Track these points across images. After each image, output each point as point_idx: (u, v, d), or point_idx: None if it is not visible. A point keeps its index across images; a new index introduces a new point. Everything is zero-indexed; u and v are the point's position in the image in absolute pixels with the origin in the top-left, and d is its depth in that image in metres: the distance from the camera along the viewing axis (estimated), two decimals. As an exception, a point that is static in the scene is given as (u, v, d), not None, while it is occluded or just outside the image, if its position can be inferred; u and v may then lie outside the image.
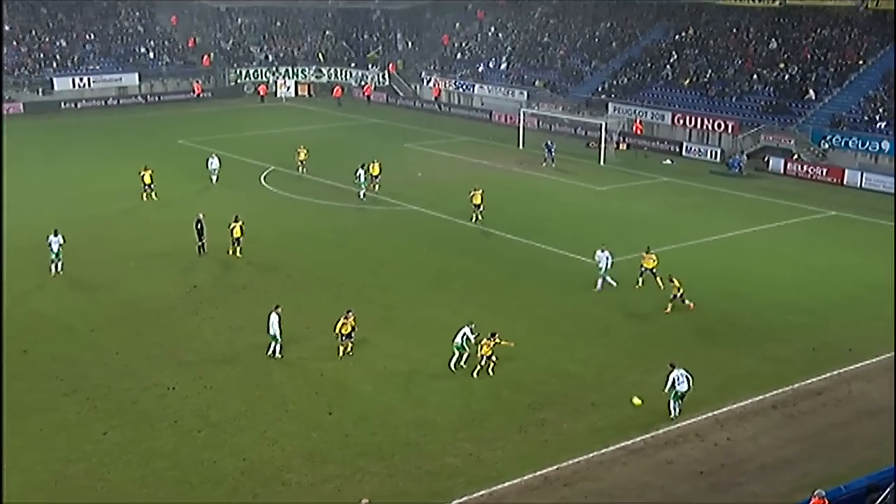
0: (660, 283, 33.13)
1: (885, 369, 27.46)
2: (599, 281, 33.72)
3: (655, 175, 54.44)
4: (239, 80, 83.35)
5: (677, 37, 71.18)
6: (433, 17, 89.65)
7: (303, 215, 44.17)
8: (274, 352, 27.58)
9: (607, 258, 33.76)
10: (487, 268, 36.58)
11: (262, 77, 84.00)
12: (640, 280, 34.03)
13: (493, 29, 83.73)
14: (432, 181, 51.08)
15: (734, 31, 68.49)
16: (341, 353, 27.66)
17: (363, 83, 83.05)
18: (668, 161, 58.12)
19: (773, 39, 65.46)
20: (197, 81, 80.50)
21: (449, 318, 30.86)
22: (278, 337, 27.44)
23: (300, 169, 51.70)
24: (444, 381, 26.36)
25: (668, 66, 67.94)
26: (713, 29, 69.59)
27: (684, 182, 52.72)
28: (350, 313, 27.88)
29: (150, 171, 45.35)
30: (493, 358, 26.70)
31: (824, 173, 53.27)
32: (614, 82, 68.92)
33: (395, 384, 26.22)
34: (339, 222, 42.39)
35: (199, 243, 36.84)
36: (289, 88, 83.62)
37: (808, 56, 62.82)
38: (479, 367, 26.59)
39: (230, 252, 36.60)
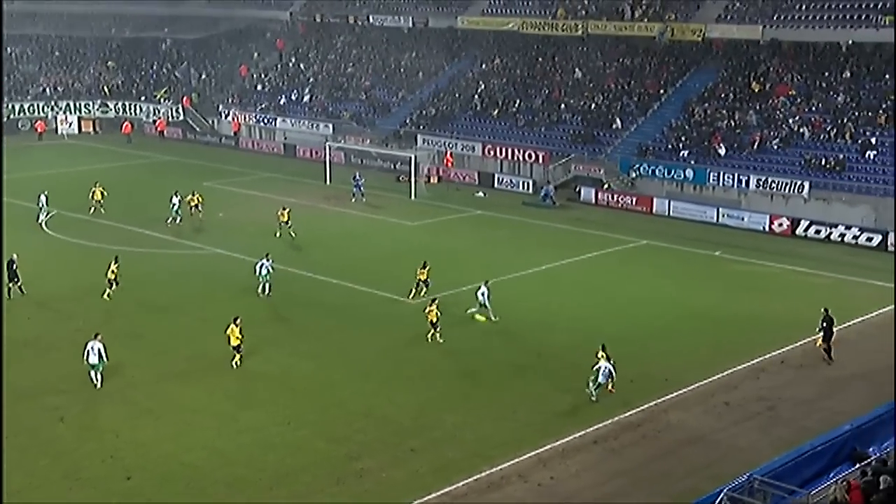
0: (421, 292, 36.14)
1: (700, 397, 28.99)
2: (474, 309, 34.93)
3: (468, 208, 55.69)
4: (12, 116, 79.24)
5: (484, 66, 73.36)
6: (229, 47, 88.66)
7: (93, 263, 42.32)
8: (96, 382, 28.39)
9: (485, 294, 34.80)
10: (298, 311, 36.25)
11: (39, 112, 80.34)
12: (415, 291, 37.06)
13: (293, 59, 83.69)
14: (235, 221, 50.25)
15: (539, 59, 71.31)
16: (235, 365, 29.80)
17: (155, 118, 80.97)
18: (481, 193, 59.62)
19: (578, 69, 68.54)
20: (-38, 118, 76.08)
21: (257, 367, 30.39)
22: (101, 364, 28.31)
23: (95, 210, 50.49)
24: (253, 435, 25.80)
25: (475, 97, 69.87)
26: (519, 58, 72.21)
27: (497, 214, 54.19)
28: (238, 320, 29.99)
29: None
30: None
31: (634, 202, 55.98)
32: (422, 113, 70.21)
33: (200, 441, 25.43)
34: (137, 269, 40.94)
35: (10, 286, 36.54)
36: (71, 125, 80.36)
37: (613, 85, 66.15)
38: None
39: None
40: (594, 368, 28.11)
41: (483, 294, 35.06)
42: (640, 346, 32.89)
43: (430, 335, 32.73)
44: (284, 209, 47.26)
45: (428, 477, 23.72)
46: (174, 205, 48.69)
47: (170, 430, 25.94)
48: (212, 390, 28.64)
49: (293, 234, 46.08)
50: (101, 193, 51.24)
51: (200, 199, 50.22)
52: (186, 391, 28.49)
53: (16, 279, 36.70)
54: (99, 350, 28.46)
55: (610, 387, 28.50)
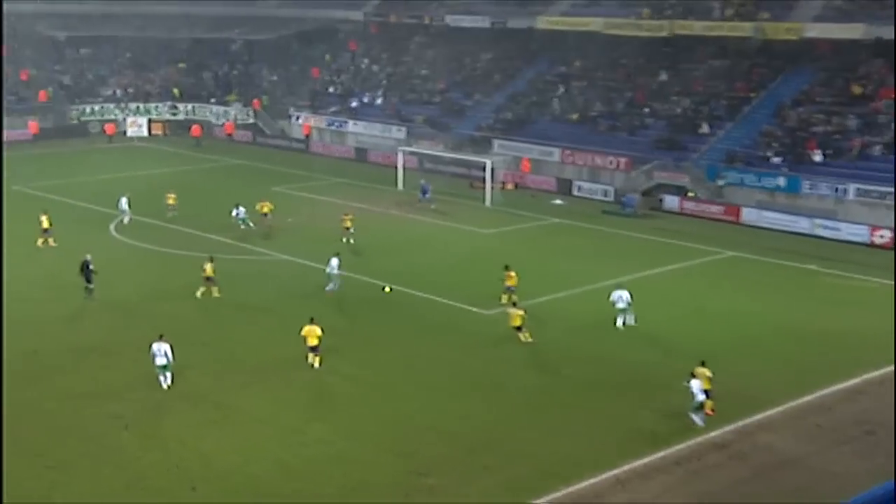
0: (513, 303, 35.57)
1: (791, 418, 28.41)
2: (619, 319, 35.70)
3: (545, 216, 55.55)
4: (82, 118, 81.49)
5: (563, 68, 73.22)
6: (301, 49, 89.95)
7: (159, 268, 43.27)
8: (164, 383, 29.36)
9: (623, 297, 35.72)
10: (364, 320, 36.51)
11: (109, 114, 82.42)
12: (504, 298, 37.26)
13: (366, 60, 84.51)
14: (304, 227, 50.86)
15: (622, 62, 70.86)
16: (314, 365, 30.79)
17: (224, 121, 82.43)
18: (558, 201, 59.42)
19: (664, 71, 68.00)
20: (33, 119, 78.29)
21: (325, 379, 30.71)
22: (169, 365, 29.28)
23: (169, 213, 51.72)
24: (320, 448, 26.04)
25: (555, 100, 69.71)
26: (601, 60, 71.86)
27: (575, 223, 53.95)
28: (314, 320, 31.10)
29: (47, 215, 45.92)
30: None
31: (721, 211, 55.25)
32: (499, 117, 70.29)
33: (265, 453, 25.71)
34: (199, 276, 41.67)
35: (87, 287, 37.52)
36: (140, 127, 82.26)
37: (701, 88, 65.46)
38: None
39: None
40: (690, 391, 27.38)
41: (623, 297, 35.58)
42: (725, 363, 32.28)
43: (521, 335, 33.58)
44: (347, 215, 47.78)
45: (500, 495, 23.64)
46: (237, 214, 48.92)
47: (235, 441, 26.31)
48: (278, 400, 28.99)
49: (351, 241, 46.39)
50: (174, 198, 52.49)
51: (271, 207, 50.47)
52: (253, 400, 28.88)
53: (91, 281, 37.84)
54: (165, 351, 29.34)
55: (709, 409, 28.12)
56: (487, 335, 34.84)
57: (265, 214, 49.87)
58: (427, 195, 55.75)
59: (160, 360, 29.34)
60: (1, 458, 24.56)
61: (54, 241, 45.38)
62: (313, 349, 31.25)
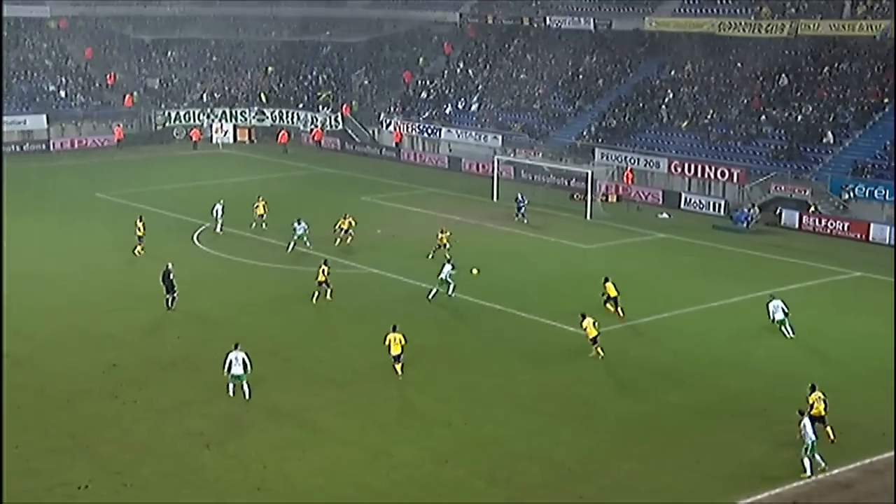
0: (620, 312, 38.36)
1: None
2: (784, 328, 37.19)
3: (650, 231, 55.13)
4: (168, 124, 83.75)
5: (673, 73, 72.62)
6: (393, 52, 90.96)
7: (242, 280, 44.14)
8: (243, 393, 30.39)
9: (781, 308, 37.26)
10: (456, 339, 36.70)
11: (195, 120, 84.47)
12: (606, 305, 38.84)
13: (461, 64, 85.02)
14: (393, 239, 51.34)
15: (739, 65, 69.97)
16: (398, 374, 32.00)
17: (312, 127, 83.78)
18: (665, 215, 58.93)
19: (784, 75, 66.95)
20: (118, 125, 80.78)
21: (413, 398, 30.99)
22: (245, 375, 30.21)
23: (258, 224, 52.65)
24: (407, 472, 26.26)
25: (663, 107, 69.20)
26: (714, 63, 71.10)
27: (683, 239, 53.42)
28: (396, 328, 32.39)
29: (143, 222, 47.78)
30: None
31: (846, 228, 54.20)
32: (601, 125, 70.03)
33: (350, 476, 26.04)
34: (285, 289, 42.40)
35: (168, 297, 38.84)
36: (226, 133, 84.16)
37: (825, 94, 64.25)
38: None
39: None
40: (801, 432, 26.46)
41: (782, 308, 37.19)
42: (850, 394, 31.62)
43: (594, 351, 34.28)
44: (444, 231, 47.69)
45: (597, 529, 23.56)
46: (297, 231, 47.89)
47: (318, 463, 26.70)
48: (363, 421, 29.32)
49: (448, 258, 45.72)
50: (264, 207, 53.18)
51: (353, 223, 50.14)
52: (337, 420, 29.27)
53: (172, 290, 38.89)
54: (243, 360, 30.31)
55: (829, 436, 27.61)
56: (586, 357, 34.70)
57: (346, 230, 49.70)
58: (522, 210, 55.50)
59: (236, 370, 30.22)
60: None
61: (143, 249, 46.90)
62: (396, 358, 32.17)
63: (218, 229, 51.51)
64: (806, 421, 26.44)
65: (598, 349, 34.28)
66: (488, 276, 44.35)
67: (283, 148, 79.90)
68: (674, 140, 66.31)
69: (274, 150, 79.62)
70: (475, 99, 79.39)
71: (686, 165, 63.03)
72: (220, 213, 51.81)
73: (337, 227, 50.00)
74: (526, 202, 56.23)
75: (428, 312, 39.49)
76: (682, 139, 66.12)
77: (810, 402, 27.97)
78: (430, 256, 46.38)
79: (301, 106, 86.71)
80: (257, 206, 53.32)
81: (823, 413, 27.93)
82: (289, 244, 48.15)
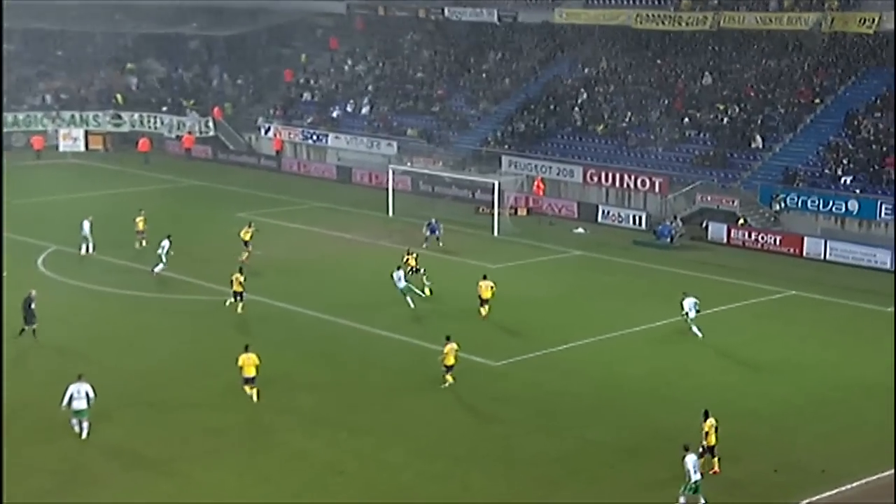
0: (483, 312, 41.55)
1: (870, 496, 28.11)
2: (695, 327, 40.32)
3: (564, 248, 55.72)
4: (5, 129, 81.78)
5: (587, 71, 73.62)
6: (271, 47, 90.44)
7: (98, 310, 43.24)
8: (81, 430, 30.26)
9: (694, 304, 40.31)
10: (350, 375, 36.45)
11: (37, 125, 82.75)
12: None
13: (350, 61, 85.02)
14: (275, 262, 50.85)
15: (658, 62, 71.25)
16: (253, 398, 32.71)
17: (179, 133, 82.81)
18: (581, 229, 59.63)
19: (708, 73, 68.32)
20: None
21: (299, 444, 30.66)
22: (88, 410, 30.15)
23: (139, 243, 52.24)
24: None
25: (576, 109, 70.07)
26: (632, 61, 72.28)
27: (602, 256, 54.13)
28: (248, 348, 33.23)
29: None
30: None
31: (778, 242, 55.40)
32: (508, 130, 70.63)
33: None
34: (152, 319, 41.77)
35: (27, 328, 38.63)
36: (76, 140, 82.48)
37: (752, 93, 65.76)
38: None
39: None
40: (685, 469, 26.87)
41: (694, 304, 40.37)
42: (785, 427, 32.33)
43: (444, 378, 34.84)
44: (410, 253, 47.25)
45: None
46: (163, 248, 47.78)
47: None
48: (242, 471, 28.92)
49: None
50: (144, 223, 52.79)
51: (253, 232, 50.99)
52: (211, 473, 28.81)
53: (33, 321, 38.53)
54: (87, 392, 30.08)
55: (715, 468, 28.20)
56: (496, 391, 34.87)
57: (246, 243, 50.47)
58: (437, 233, 54.81)
59: (78, 404, 29.93)
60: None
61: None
62: (250, 381, 32.88)
63: (87, 250, 50.77)
64: (690, 458, 26.78)
65: (451, 377, 34.70)
66: (382, 301, 44.31)
67: (144, 157, 78.67)
68: (589, 146, 67.28)
69: (133, 159, 78.32)
70: (366, 101, 79.44)
71: (603, 174, 63.96)
72: (88, 229, 50.81)
73: (242, 234, 50.68)
74: (441, 228, 55.20)
75: (317, 344, 39.22)
76: (597, 145, 67.16)
77: (704, 429, 28.49)
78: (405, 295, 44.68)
79: (165, 109, 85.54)
80: (138, 222, 52.77)
81: (714, 443, 28.63)
82: (154, 267, 47.87)
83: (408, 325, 41.24)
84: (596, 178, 64.21)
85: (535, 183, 64.63)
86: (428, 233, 55.27)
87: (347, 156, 75.62)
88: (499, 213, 58.71)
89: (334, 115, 79.34)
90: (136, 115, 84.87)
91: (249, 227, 51.13)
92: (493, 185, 59.56)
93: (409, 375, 36.41)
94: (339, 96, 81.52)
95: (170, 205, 64.04)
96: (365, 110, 78.83)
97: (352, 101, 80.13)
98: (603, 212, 62.07)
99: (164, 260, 47.66)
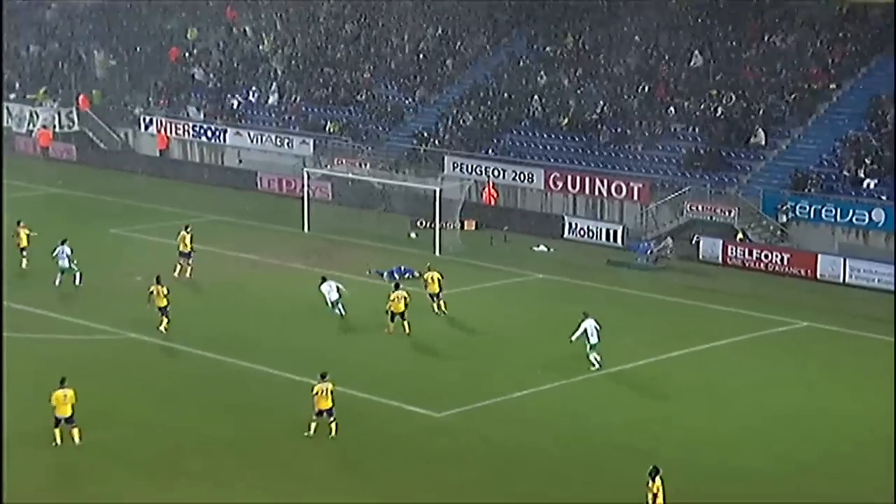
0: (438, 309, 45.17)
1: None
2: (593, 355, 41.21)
3: (522, 270, 56.30)
4: None
5: (547, 49, 73.90)
6: (150, 19, 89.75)
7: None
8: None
9: (595, 328, 40.99)
10: (260, 427, 36.78)
11: None
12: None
13: (251, 36, 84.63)
14: (160, 290, 50.76)
15: (637, 38, 71.59)
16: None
17: (32, 128, 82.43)
18: (542, 247, 60.30)
19: (698, 52, 68.72)
20: None
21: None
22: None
23: (22, 262, 53.14)
24: None
25: (535, 98, 70.41)
26: (604, 35, 72.63)
27: (568, 279, 54.81)
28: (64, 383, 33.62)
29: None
30: None
31: (785, 261, 56.06)
32: (453, 123, 70.93)
33: None
34: (19, 363, 41.55)
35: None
36: None
37: (753, 77, 66.38)
38: None
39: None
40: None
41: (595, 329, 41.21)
42: (794, 487, 32.92)
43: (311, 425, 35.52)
44: (430, 269, 48.95)
45: None
46: (59, 255, 49.96)
47: None
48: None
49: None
50: (28, 237, 53.59)
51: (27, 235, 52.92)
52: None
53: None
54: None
55: None
56: (438, 449, 35.25)
57: (186, 254, 52.54)
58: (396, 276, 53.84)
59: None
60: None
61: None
62: (67, 420, 34.03)
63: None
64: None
65: (332, 425, 35.32)
66: (303, 338, 44.77)
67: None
68: (552, 144, 67.73)
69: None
70: (273, 87, 79.34)
71: (569, 179, 64.40)
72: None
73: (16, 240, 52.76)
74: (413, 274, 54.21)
75: (220, 392, 39.56)
76: (562, 143, 67.57)
77: (653, 490, 29.10)
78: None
79: (13, 97, 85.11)
80: (19, 236, 53.54)
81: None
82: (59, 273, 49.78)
83: (340, 370, 41.14)
84: (560, 184, 64.69)
85: (486, 189, 65.20)
86: (385, 276, 53.74)
87: (251, 156, 75.77)
88: (441, 228, 59.19)
89: (234, 104, 79.35)
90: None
91: (187, 230, 52.75)
92: (434, 192, 59.99)
93: (351, 436, 35.77)
94: (239, 81, 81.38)
95: (23, 218, 63.27)
96: (272, 99, 78.87)
97: (255, 88, 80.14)
98: (570, 225, 62.57)
99: (74, 268, 49.66)
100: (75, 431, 33.78)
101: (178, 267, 52.20)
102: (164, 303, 44.93)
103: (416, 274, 52.28)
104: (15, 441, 34.02)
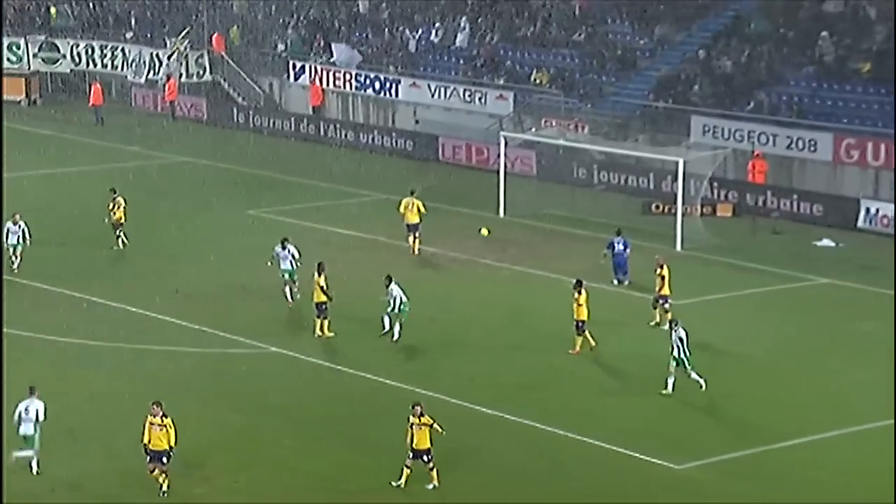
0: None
1: None
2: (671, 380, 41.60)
3: (799, 272, 55.63)
4: None
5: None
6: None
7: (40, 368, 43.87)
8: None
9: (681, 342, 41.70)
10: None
11: None
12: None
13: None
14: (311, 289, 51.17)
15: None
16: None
17: (153, 77, 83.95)
18: (827, 241, 59.58)
19: None
20: None
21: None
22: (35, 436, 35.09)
23: (119, 241, 55.87)
24: None
25: (822, 35, 69.61)
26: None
27: (863, 286, 53.79)
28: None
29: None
30: None
31: None
32: (701, 73, 70.66)
33: None
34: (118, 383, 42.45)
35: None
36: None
37: None
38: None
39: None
40: None
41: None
42: None
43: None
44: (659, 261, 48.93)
45: None
46: (279, 257, 50.47)
47: None
48: None
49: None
50: (125, 211, 55.65)
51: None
52: None
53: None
54: (37, 411, 35.27)
55: None
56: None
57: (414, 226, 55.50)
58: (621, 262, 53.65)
59: (26, 428, 35.37)
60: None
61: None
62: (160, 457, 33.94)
63: (16, 264, 52.41)
64: None
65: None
66: (496, 358, 45.02)
67: (94, 114, 79.66)
68: (845, 99, 66.91)
69: (79, 117, 79.69)
70: (462, 24, 79.78)
71: (869, 147, 63.53)
72: (20, 237, 52.34)
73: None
74: (629, 248, 53.87)
75: (382, 416, 39.39)
76: (860, 97, 66.59)
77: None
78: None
79: (130, 36, 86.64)
80: (114, 211, 55.22)
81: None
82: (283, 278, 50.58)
83: (530, 402, 41.13)
84: (856, 154, 63.94)
85: (751, 162, 64.57)
86: (608, 252, 53.81)
87: (431, 115, 76.50)
88: (685, 213, 58.96)
89: (409, 46, 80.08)
90: (83, 46, 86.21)
91: (412, 195, 56.15)
92: (676, 164, 59.55)
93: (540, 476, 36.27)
94: (417, 16, 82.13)
95: (139, 196, 64.29)
96: (460, 39, 79.21)
97: (437, 25, 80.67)
98: (867, 211, 61.68)
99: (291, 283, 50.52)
100: (162, 477, 33.60)
101: (412, 239, 55.37)
102: (323, 298, 46.39)
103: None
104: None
